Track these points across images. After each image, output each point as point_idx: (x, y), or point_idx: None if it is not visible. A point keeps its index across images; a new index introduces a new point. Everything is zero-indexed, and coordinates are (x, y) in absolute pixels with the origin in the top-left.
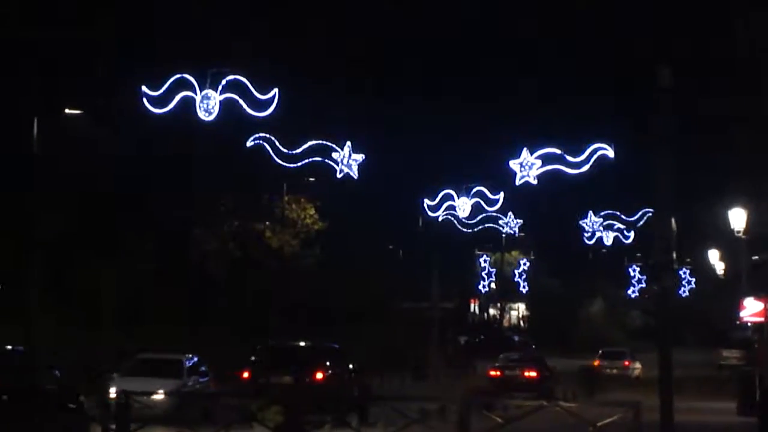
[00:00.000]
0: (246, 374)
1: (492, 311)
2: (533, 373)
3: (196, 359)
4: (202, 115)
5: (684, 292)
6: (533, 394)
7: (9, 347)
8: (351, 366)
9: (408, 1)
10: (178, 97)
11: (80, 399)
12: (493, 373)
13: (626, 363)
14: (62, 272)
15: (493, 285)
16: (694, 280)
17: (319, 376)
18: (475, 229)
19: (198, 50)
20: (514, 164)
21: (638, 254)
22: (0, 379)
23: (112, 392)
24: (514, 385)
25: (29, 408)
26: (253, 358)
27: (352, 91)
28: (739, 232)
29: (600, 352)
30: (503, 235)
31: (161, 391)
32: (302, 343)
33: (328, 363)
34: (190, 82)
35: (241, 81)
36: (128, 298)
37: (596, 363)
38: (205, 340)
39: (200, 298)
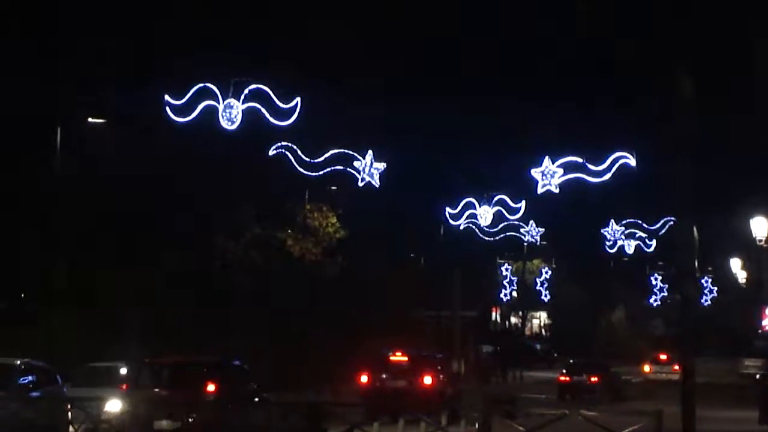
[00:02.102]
0: (365, 378)
1: (513, 320)
2: (596, 379)
3: None
4: (224, 124)
5: (706, 301)
6: (598, 398)
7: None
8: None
9: (430, 8)
10: (201, 106)
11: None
12: (562, 378)
13: (675, 368)
14: (82, 278)
15: (514, 293)
16: (716, 288)
17: (428, 381)
18: (497, 238)
19: (221, 59)
20: (535, 173)
21: (660, 263)
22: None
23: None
24: (581, 390)
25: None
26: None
27: (374, 100)
28: (761, 240)
29: (651, 356)
30: (525, 244)
31: (113, 399)
32: (413, 352)
33: (433, 369)
34: (213, 91)
35: (264, 90)
36: (147, 306)
37: (648, 367)
38: (227, 348)
39: (221, 305)
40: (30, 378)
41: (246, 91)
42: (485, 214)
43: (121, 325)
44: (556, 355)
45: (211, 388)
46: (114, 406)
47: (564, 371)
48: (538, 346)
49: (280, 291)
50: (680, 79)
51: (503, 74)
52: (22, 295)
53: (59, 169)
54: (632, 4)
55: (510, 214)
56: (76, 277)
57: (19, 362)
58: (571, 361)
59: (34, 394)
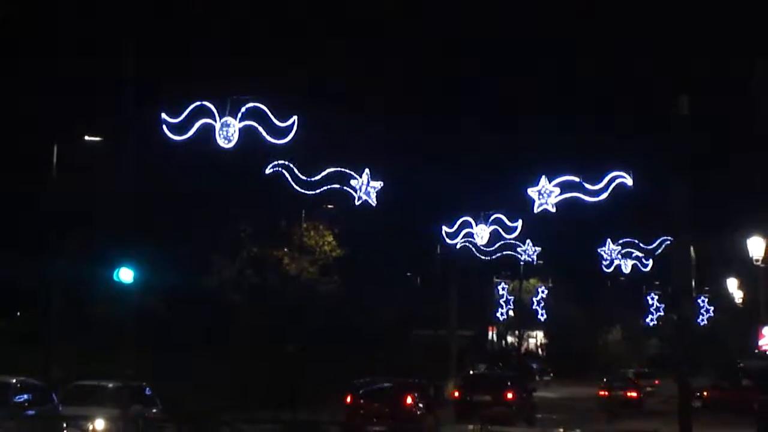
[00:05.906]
0: (457, 394)
1: (510, 339)
2: (634, 394)
3: (147, 388)
4: (221, 142)
5: (702, 320)
6: (636, 410)
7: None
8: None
9: (426, 30)
10: (197, 125)
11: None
12: (601, 393)
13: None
14: (80, 297)
15: (511, 312)
16: (712, 308)
17: (509, 396)
18: (494, 257)
19: (218, 77)
20: (532, 192)
21: (657, 282)
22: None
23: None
24: (619, 404)
25: None
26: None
27: (371, 119)
28: (757, 260)
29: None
30: (521, 263)
31: (100, 419)
32: (496, 371)
33: (512, 385)
34: (210, 109)
35: (261, 108)
36: (146, 325)
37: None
38: (223, 368)
39: (218, 324)
40: (26, 396)
41: (243, 109)
42: (482, 233)
43: (120, 344)
44: (551, 374)
45: (409, 400)
46: (100, 425)
47: (603, 386)
48: (535, 365)
49: (276, 309)
50: (678, 97)
51: (502, 94)
52: (18, 314)
53: (55, 186)
54: (631, 25)
55: (506, 233)
56: (73, 295)
57: (14, 381)
58: (605, 379)
59: (30, 412)
